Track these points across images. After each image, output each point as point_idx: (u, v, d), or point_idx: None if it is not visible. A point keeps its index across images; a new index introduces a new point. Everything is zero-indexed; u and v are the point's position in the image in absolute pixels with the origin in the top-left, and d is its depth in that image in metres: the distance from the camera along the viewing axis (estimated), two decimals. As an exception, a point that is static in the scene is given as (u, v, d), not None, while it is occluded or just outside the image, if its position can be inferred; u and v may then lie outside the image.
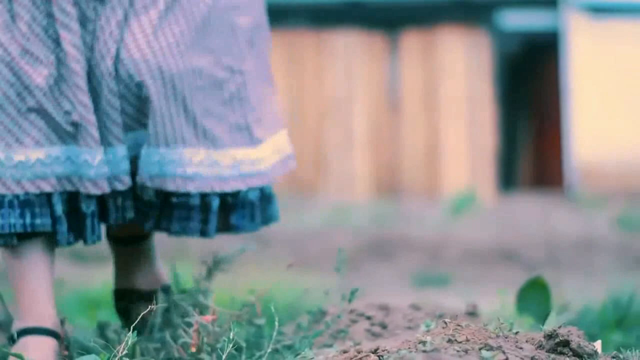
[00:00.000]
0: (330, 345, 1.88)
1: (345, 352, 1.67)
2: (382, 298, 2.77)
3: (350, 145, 11.79)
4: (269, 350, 1.75)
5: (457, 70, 11.81)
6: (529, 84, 13.66)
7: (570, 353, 1.61)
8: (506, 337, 1.58)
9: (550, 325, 2.33)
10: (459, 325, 1.64)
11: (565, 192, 11.54)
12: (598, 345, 1.78)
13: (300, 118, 11.81)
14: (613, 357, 1.70)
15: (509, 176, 12.49)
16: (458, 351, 1.49)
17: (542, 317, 2.52)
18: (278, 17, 11.85)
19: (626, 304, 2.90)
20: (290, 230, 7.43)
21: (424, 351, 1.45)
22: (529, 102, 13.70)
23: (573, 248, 6.79)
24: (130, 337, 1.56)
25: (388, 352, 1.54)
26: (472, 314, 2.11)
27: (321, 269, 6.08)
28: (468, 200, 9.73)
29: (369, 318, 2.02)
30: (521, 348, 1.54)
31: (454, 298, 3.79)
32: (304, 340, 1.82)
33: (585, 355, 1.61)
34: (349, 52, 11.93)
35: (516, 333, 1.64)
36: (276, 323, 1.79)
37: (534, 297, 2.45)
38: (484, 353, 1.50)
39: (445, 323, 1.64)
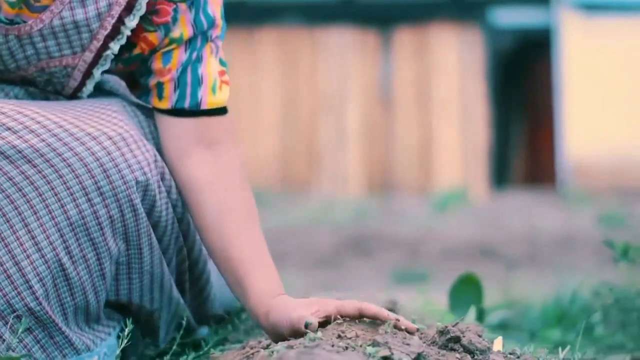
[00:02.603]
0: (241, 341, 1.91)
1: (243, 347, 1.70)
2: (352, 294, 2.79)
3: (343, 142, 11.81)
4: (175, 347, 1.78)
5: (450, 67, 11.82)
6: (522, 81, 13.68)
7: (461, 349, 1.63)
8: (395, 334, 1.60)
9: (469, 322, 2.35)
10: (353, 321, 1.66)
11: (557, 189, 11.55)
12: (498, 342, 1.79)
13: (293, 114, 11.83)
14: (510, 354, 1.71)
15: (501, 173, 12.51)
16: (340, 346, 1.51)
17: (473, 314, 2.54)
18: (272, 14, 11.88)
19: (569, 301, 2.92)
20: (273, 226, 7.45)
21: (305, 347, 1.47)
22: (522, 99, 13.72)
23: (554, 245, 6.81)
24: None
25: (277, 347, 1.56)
26: (391, 310, 2.12)
27: (297, 266, 6.11)
28: (456, 197, 9.75)
29: (285, 314, 2.04)
30: (408, 344, 1.56)
31: (425, 294, 3.81)
32: (213, 337, 1.85)
33: (477, 352, 1.62)
34: (342, 49, 11.95)
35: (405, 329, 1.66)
36: (183, 322, 1.83)
37: (466, 293, 2.46)
38: (369, 349, 1.52)
39: (341, 319, 1.67)
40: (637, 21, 11.69)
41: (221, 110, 1.89)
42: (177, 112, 1.85)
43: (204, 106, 1.86)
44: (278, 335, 1.70)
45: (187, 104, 1.85)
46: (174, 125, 1.85)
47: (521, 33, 12.60)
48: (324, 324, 1.66)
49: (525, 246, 6.77)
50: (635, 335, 2.55)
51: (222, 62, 1.90)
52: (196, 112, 1.86)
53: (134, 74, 1.93)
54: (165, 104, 1.86)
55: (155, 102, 1.87)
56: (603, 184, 11.16)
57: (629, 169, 11.36)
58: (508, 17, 11.97)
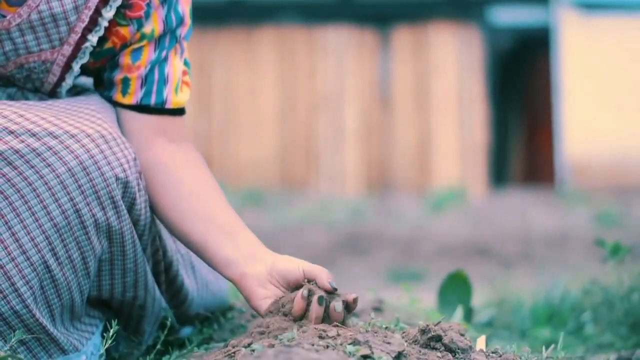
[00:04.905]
0: (225, 340, 1.91)
1: (225, 346, 1.71)
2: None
3: (341, 141, 11.81)
4: (158, 347, 1.78)
5: (449, 66, 11.82)
6: (520, 80, 13.67)
7: (443, 348, 1.63)
8: (375, 332, 1.60)
9: (456, 321, 2.35)
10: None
11: (556, 188, 11.54)
12: (481, 341, 1.79)
13: (291, 114, 11.83)
14: (493, 352, 1.71)
15: (500, 172, 12.50)
16: (320, 345, 1.51)
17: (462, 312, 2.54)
18: (270, 13, 11.88)
19: (559, 300, 2.91)
20: (271, 225, 7.46)
21: (285, 345, 1.47)
22: (520, 98, 13.71)
23: (549, 244, 6.81)
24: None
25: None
26: (378, 309, 2.13)
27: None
28: (454, 196, 9.74)
29: (269, 313, 2.04)
30: (389, 343, 1.56)
31: (411, 293, 3.81)
32: (198, 336, 1.86)
33: (459, 350, 1.63)
34: (341, 48, 11.95)
35: (386, 328, 1.66)
36: (168, 323, 1.83)
37: (454, 292, 2.46)
38: (349, 347, 1.52)
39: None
40: (636, 20, 11.68)
41: (181, 111, 1.92)
42: (141, 108, 1.87)
43: (169, 105, 1.88)
44: (272, 280, 1.78)
45: (152, 101, 1.87)
46: (136, 121, 1.87)
47: (520, 32, 12.59)
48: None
49: (521, 245, 6.77)
50: (623, 334, 2.55)
51: (185, 62, 1.92)
52: (160, 110, 1.88)
53: (99, 72, 1.93)
54: (130, 100, 1.87)
55: (118, 97, 1.88)
56: (601, 183, 11.15)
57: (627, 168, 11.35)
58: (507, 16, 11.97)
